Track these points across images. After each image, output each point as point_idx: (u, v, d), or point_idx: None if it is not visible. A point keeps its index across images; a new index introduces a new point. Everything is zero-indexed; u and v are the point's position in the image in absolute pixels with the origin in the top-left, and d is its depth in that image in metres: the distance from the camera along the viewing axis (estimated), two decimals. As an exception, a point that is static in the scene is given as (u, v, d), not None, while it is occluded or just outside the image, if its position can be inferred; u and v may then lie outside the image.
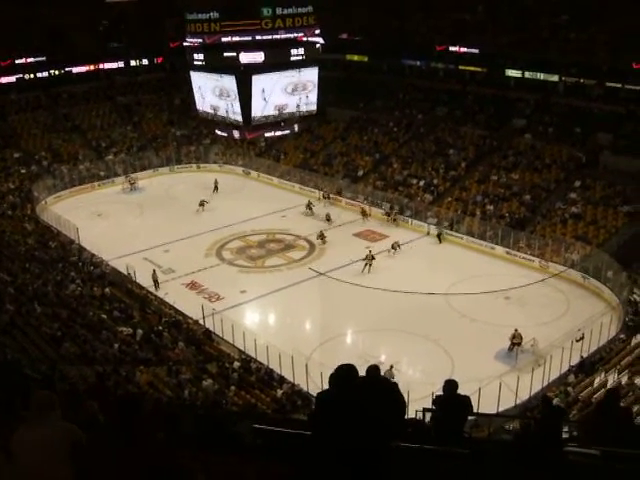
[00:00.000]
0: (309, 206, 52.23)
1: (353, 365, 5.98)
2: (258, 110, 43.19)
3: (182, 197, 57.49)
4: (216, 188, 57.70)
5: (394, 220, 49.59)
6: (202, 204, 52.68)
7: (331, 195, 54.76)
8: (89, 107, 68.84)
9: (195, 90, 46.68)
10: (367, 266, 40.88)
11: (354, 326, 36.01)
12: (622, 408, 8.55)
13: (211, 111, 46.52)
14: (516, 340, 32.08)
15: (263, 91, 42.77)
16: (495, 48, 57.85)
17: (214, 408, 14.67)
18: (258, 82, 42.24)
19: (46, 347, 30.19)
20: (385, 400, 5.82)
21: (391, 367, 28.71)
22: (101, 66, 70.43)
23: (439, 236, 46.83)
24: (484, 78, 60.15)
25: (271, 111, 44.21)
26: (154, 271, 39.81)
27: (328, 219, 49.38)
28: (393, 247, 43.83)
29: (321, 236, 45.73)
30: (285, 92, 43.76)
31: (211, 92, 44.96)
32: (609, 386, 28.42)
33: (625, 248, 40.98)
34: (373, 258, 41.30)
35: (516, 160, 52.39)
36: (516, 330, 32.24)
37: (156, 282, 39.39)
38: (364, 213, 50.56)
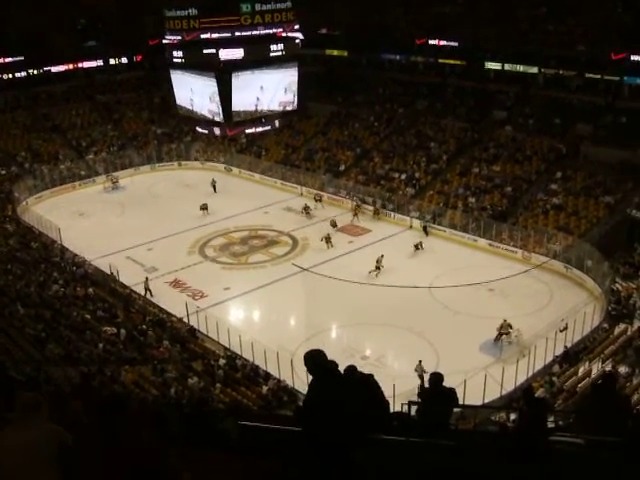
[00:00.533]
0: (306, 210, 50.80)
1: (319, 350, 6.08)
2: (238, 106, 43.11)
3: (164, 195, 57.33)
4: (214, 188, 56.95)
5: (377, 214, 49.53)
6: (204, 208, 51.16)
7: (323, 198, 53.70)
8: (69, 106, 68.48)
9: (175, 88, 46.53)
10: (376, 270, 40.11)
11: (338, 321, 36.02)
12: (620, 394, 8.62)
13: (191, 108, 46.38)
14: (504, 330, 32.19)
15: (244, 87, 42.70)
16: (475, 41, 57.91)
17: (200, 406, 14.62)
18: (238, 79, 42.16)
19: (30, 348, 30.06)
20: (363, 394, 5.83)
21: (420, 362, 28.84)
22: (80, 65, 70.09)
23: (425, 229, 46.95)
24: (464, 71, 60.16)
25: (251, 107, 44.13)
26: (146, 279, 39.18)
27: (334, 225, 47.49)
28: (417, 247, 43.42)
29: (327, 239, 44.59)
30: (265, 88, 43.67)
31: (191, 89, 44.82)
32: (593, 375, 28.63)
33: (607, 238, 41.15)
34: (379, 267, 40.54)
35: (497, 152, 52.54)
36: (505, 320, 32.38)
37: (148, 290, 38.61)
38: (356, 210, 50.09)
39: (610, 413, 7.08)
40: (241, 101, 42.85)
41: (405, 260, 42.35)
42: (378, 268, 39.70)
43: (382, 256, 40.01)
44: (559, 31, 53.39)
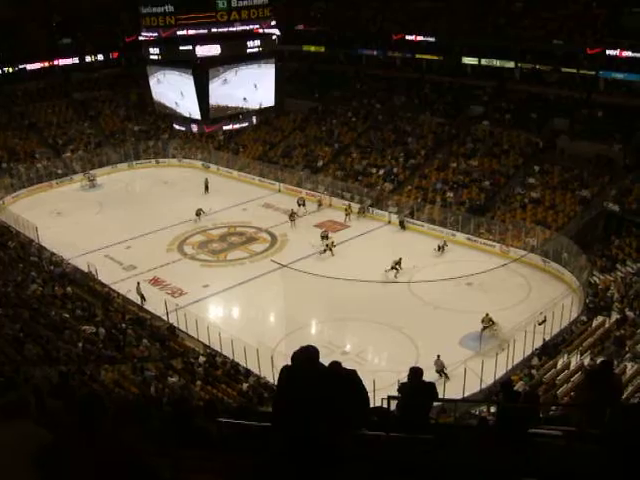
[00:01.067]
0: (292, 217, 48.76)
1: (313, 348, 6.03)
2: (215, 103, 42.97)
3: (142, 193, 57.16)
4: (207, 188, 56.32)
5: (363, 212, 49.46)
6: (199, 213, 49.47)
7: (365, 205, 51.17)
8: (45, 104, 67.99)
9: (152, 85, 46.27)
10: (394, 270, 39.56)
11: (318, 316, 36.09)
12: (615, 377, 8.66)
13: (169, 105, 46.15)
14: (484, 324, 32.36)
15: (221, 84, 42.56)
16: (451, 36, 58.05)
17: (180, 404, 14.59)
18: (215, 75, 42.02)
19: (8, 349, 29.85)
20: (346, 390, 5.82)
21: (438, 356, 29.03)
22: (56, 62, 69.54)
23: (402, 223, 47.06)
24: (441, 66, 60.36)
25: (229, 104, 43.99)
26: (138, 284, 38.27)
27: (325, 237, 45.20)
28: (440, 248, 42.75)
29: (325, 237, 43.63)
30: (242, 84, 43.54)
31: (168, 86, 44.59)
32: (572, 367, 28.84)
33: (584, 231, 41.45)
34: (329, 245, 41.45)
35: (475, 147, 52.72)
36: (487, 314, 32.53)
37: (141, 296, 37.60)
38: (347, 211, 49.44)
39: (608, 400, 7.11)
40: (218, 98, 42.64)
41: (384, 255, 42.38)
42: (396, 269, 39.14)
43: (401, 259, 39.41)
44: (535, 26, 53.64)
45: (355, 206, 50.51)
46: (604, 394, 7.23)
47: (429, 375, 8.56)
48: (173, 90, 44.43)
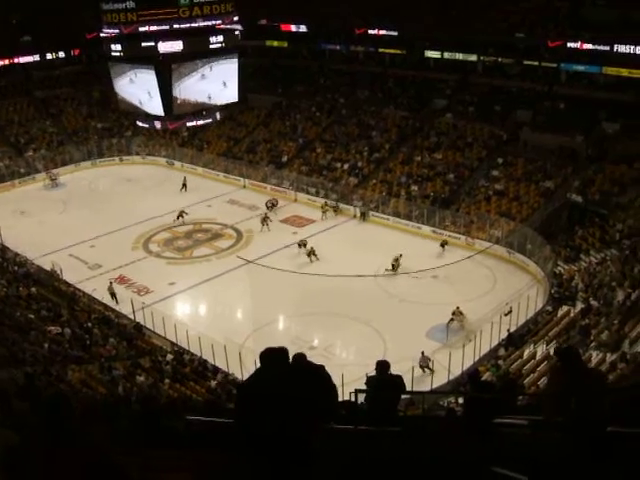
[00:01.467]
0: (265, 222, 47.11)
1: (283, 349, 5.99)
2: (179, 99, 42.80)
3: (106, 191, 56.75)
4: (184, 186, 55.55)
5: (335, 210, 49.31)
6: (181, 215, 48.02)
7: (332, 204, 49.94)
8: (6, 103, 67.13)
9: (114, 81, 45.96)
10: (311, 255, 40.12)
11: (285, 312, 36.08)
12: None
13: (132, 102, 45.87)
14: (457, 318, 32.57)
15: (183, 80, 42.40)
16: (414, 30, 58.17)
17: (147, 402, 14.53)
18: (178, 71, 41.85)
19: (-27, 351, 29.56)
20: (312, 384, 5.82)
21: (422, 353, 29.24)
22: (16, 60, 68.71)
23: (363, 215, 47.31)
24: (404, 60, 60.50)
25: (192, 100, 43.84)
26: (110, 283, 38.05)
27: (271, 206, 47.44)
28: (442, 245, 42.48)
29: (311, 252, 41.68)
30: (206, 80, 43.39)
31: (131, 83, 44.32)
32: (538, 357, 29.11)
33: (548, 222, 41.81)
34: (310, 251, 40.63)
35: (438, 140, 52.94)
36: (457, 308, 32.73)
37: (113, 295, 37.40)
38: (324, 208, 48.82)
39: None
40: (181, 94, 42.50)
41: (350, 249, 42.48)
42: (394, 267, 38.80)
43: (401, 255, 39.09)
44: (497, 19, 53.89)
45: (302, 196, 51.46)
46: (574, 381, 7.28)
47: (397, 368, 8.62)
48: (135, 86, 44.17)
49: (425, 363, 29.04)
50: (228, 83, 44.52)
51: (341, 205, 49.45)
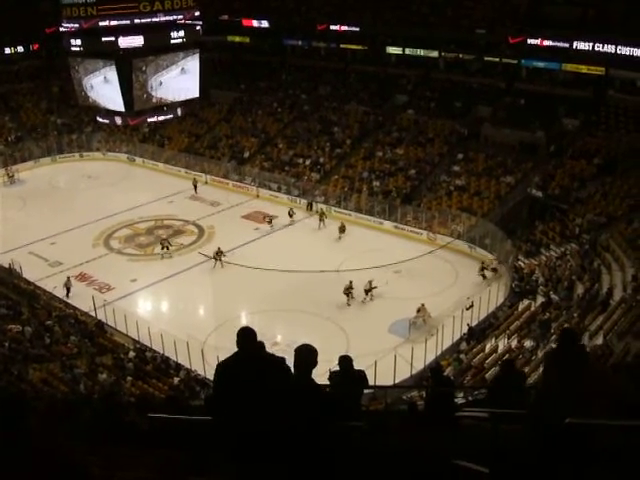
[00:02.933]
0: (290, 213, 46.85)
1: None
2: (140, 95, 42.54)
3: (66, 187, 56.26)
4: (195, 188, 54.24)
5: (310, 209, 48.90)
6: (164, 246, 42.59)
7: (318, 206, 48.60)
8: (-37, 98, 66.40)
9: (74, 77, 45.54)
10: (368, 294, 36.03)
11: (248, 308, 36.01)
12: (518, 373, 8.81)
13: (92, 97, 45.48)
14: (421, 314, 32.69)
15: (144, 75, 42.15)
16: (375, 26, 58.33)
17: (109, 400, 14.45)
18: (138, 67, 41.60)
19: None
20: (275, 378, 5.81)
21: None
22: (-27, 55, 67.86)
23: (310, 205, 48.55)
24: (365, 56, 60.57)
25: (153, 95, 43.60)
26: (68, 278, 37.72)
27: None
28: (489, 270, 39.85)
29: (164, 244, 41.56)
30: (166, 75, 43.18)
31: (91, 78, 43.95)
32: (500, 351, 29.35)
33: (508, 217, 42.15)
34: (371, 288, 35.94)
35: (400, 135, 53.12)
36: (422, 305, 32.86)
37: (68, 289, 37.21)
38: (321, 217, 46.34)
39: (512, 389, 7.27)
40: (142, 89, 42.24)
41: (312, 245, 42.55)
42: (368, 291, 35.80)
43: (371, 282, 35.97)
44: (458, 15, 54.17)
45: (264, 192, 51.74)
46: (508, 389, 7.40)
47: (360, 363, 8.68)
48: (95, 82, 43.83)
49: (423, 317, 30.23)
50: (189, 78, 44.34)
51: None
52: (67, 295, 37.19)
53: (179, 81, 44.03)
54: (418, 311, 32.75)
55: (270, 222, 46.15)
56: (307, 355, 5.71)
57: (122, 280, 39.04)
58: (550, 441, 4.85)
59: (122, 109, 43.08)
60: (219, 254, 39.43)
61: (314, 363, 5.67)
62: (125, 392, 26.44)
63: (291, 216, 46.79)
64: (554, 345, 27.89)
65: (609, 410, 5.17)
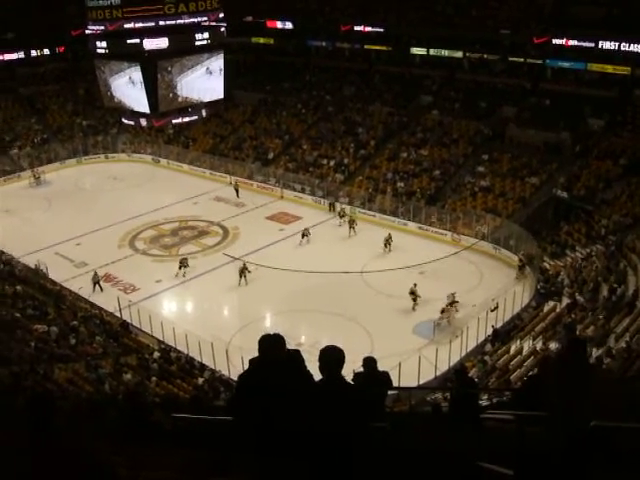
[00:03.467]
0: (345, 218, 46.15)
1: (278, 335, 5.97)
2: (165, 97, 42.71)
3: (91, 189, 56.60)
4: (237, 191, 53.40)
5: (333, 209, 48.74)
6: (183, 264, 40.13)
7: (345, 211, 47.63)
8: (-10, 100, 66.92)
9: (100, 77, 45.79)
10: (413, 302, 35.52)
11: (272, 309, 36.04)
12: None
13: (117, 99, 45.71)
14: (445, 314, 32.63)
15: (169, 76, 42.31)
16: (400, 27, 58.28)
17: (133, 400, 14.51)
18: (163, 67, 41.77)
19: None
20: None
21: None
22: (0, 57, 68.26)
23: (331, 205, 48.79)
24: (390, 57, 60.54)
25: (178, 97, 43.77)
26: (95, 273, 38.35)
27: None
28: (387, 243, 41.64)
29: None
30: (191, 77, 43.32)
31: (116, 80, 44.18)
32: (525, 352, 29.19)
33: (534, 218, 41.95)
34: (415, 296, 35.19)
35: (424, 136, 53.00)
36: (447, 305, 32.79)
37: (97, 283, 37.92)
38: (351, 224, 45.31)
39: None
40: (167, 90, 42.42)
41: (336, 246, 42.54)
42: (414, 300, 35.20)
43: (415, 285, 35.49)
44: (483, 15, 54.01)
45: (288, 192, 51.66)
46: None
47: (384, 364, 8.68)
48: (121, 84, 44.02)
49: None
50: (214, 80, 44.45)
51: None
52: (94, 290, 37.61)
53: (204, 82, 44.14)
54: (442, 311, 32.69)
55: (305, 235, 43.87)
56: (335, 354, 5.70)
57: (147, 281, 39.22)
58: (575, 443, 4.84)
59: (147, 110, 43.25)
60: (244, 270, 38.27)
61: (343, 361, 5.65)
62: (150, 392, 26.56)
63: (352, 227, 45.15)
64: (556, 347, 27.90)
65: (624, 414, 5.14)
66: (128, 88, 43.35)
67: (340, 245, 42.66)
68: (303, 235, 43.33)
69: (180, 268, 39.71)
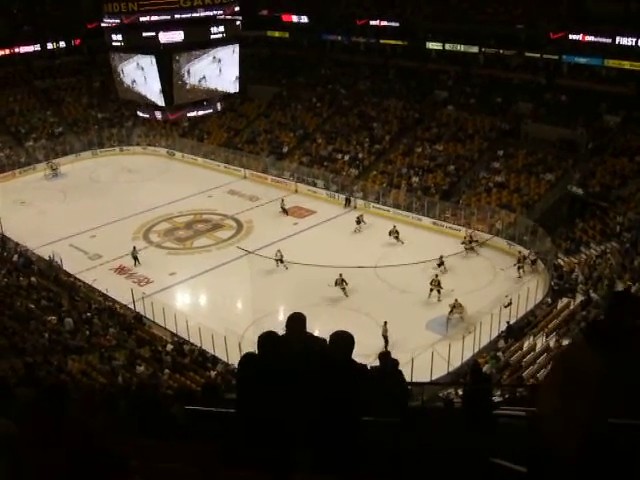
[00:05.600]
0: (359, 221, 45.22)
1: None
2: (180, 90, 42.73)
3: (106, 181, 56.70)
4: (284, 211, 48.16)
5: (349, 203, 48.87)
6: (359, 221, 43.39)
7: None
8: (6, 93, 66.88)
9: (115, 72, 45.86)
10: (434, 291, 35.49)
11: (285, 303, 36.02)
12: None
13: (132, 92, 45.76)
14: (457, 310, 32.55)
15: (185, 70, 42.31)
16: (415, 21, 58.16)
17: (146, 392, 14.53)
18: (179, 61, 41.77)
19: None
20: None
21: (385, 323, 30.14)
22: (16, 50, 68.40)
23: (347, 200, 48.67)
24: (405, 51, 60.40)
25: (193, 90, 43.77)
26: (134, 248, 40.76)
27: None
28: (394, 235, 42.07)
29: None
30: (206, 70, 43.32)
31: (132, 73, 44.22)
32: (538, 349, 29.12)
33: (548, 214, 41.83)
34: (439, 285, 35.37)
35: (439, 131, 52.90)
36: (456, 300, 32.72)
37: (136, 258, 40.49)
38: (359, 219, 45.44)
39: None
40: (182, 84, 42.44)
41: (350, 241, 42.51)
42: (439, 291, 35.34)
43: (437, 276, 35.82)
44: (498, 10, 53.83)
45: (302, 186, 51.17)
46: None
47: (397, 359, 8.70)
48: (136, 77, 44.05)
49: (384, 333, 30.68)
50: (229, 73, 44.43)
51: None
52: (135, 264, 39.64)
53: (219, 76, 44.13)
54: (453, 307, 32.60)
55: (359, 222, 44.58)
56: (346, 338, 5.73)
57: (161, 273, 39.34)
58: (590, 441, 4.80)
59: (160, 101, 43.27)
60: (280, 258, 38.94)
61: (353, 344, 5.68)
62: (162, 384, 26.63)
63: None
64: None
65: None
66: (142, 81, 43.38)
67: (354, 240, 42.60)
68: (358, 222, 44.05)
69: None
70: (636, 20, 45.30)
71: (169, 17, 40.05)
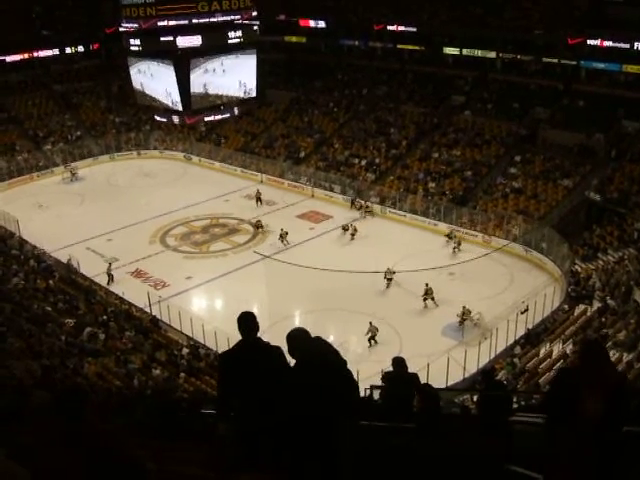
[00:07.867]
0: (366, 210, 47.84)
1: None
2: (197, 94, 42.88)
3: (123, 185, 56.92)
4: (259, 200, 51.39)
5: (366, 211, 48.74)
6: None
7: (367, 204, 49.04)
8: (25, 97, 67.40)
9: (133, 76, 46.07)
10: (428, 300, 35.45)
11: (301, 307, 36.07)
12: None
13: (150, 97, 45.97)
14: (465, 316, 32.48)
15: (202, 75, 42.48)
16: (433, 26, 58.14)
17: (163, 394, 14.60)
18: (196, 66, 41.94)
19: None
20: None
21: (370, 323, 31.18)
22: (35, 54, 68.84)
23: (353, 202, 48.98)
24: (422, 56, 60.34)
25: (210, 95, 43.93)
26: (110, 264, 39.63)
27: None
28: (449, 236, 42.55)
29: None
30: (224, 75, 43.46)
31: (149, 77, 44.42)
32: (554, 356, 29.01)
33: (566, 220, 41.67)
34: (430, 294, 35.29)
35: (456, 137, 52.82)
36: (464, 307, 32.64)
37: (109, 275, 39.02)
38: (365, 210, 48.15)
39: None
40: (200, 89, 42.60)
41: (366, 245, 42.47)
42: (432, 299, 35.19)
43: (427, 284, 35.30)
44: (516, 16, 53.73)
45: (319, 191, 50.79)
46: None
47: (412, 365, 8.69)
48: (154, 81, 44.27)
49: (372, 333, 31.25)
50: (246, 78, 44.56)
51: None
52: (109, 283, 38.90)
53: (236, 80, 44.27)
54: (463, 314, 32.47)
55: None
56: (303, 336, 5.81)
57: (177, 277, 39.42)
58: (605, 448, 4.80)
59: (175, 104, 43.43)
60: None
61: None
62: (178, 388, 26.68)
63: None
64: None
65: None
66: (160, 85, 43.56)
67: (370, 245, 42.57)
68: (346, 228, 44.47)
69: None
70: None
71: (187, 22, 40.23)
